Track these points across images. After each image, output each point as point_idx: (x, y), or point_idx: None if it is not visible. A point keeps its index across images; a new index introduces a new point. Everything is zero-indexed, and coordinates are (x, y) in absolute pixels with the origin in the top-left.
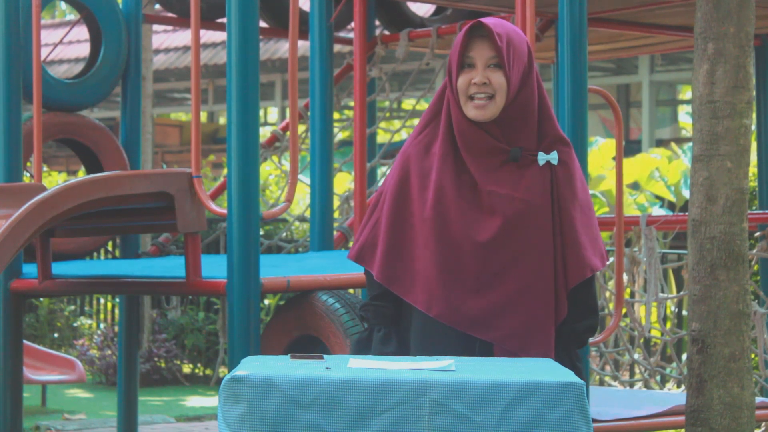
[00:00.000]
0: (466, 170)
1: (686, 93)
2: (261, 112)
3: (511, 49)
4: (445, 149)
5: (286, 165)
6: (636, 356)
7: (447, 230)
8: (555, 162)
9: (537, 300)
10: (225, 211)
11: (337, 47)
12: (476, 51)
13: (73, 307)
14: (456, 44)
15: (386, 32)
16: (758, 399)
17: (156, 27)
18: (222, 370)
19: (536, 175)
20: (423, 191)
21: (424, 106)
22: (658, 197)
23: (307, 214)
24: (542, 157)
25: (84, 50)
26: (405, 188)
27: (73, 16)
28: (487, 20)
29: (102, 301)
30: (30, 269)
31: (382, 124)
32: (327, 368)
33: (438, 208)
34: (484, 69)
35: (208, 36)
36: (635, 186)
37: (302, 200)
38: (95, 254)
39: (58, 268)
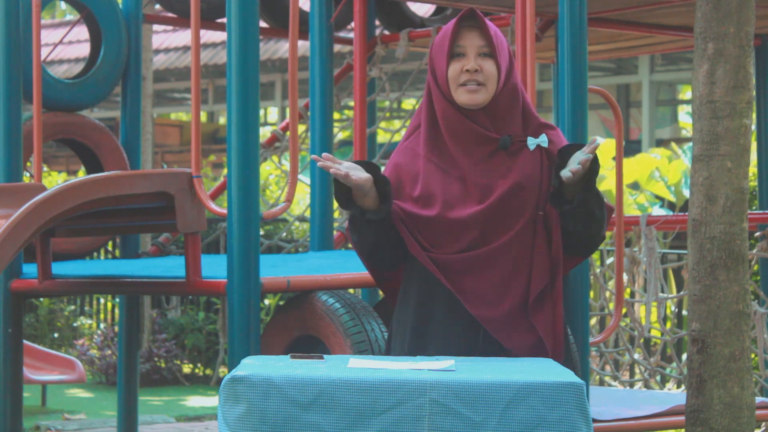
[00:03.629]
0: (454, 164)
1: (686, 93)
2: (261, 112)
3: (498, 40)
4: (429, 146)
5: (286, 165)
6: (636, 356)
7: (434, 217)
8: (545, 144)
9: (515, 270)
10: (225, 211)
11: (337, 47)
12: (466, 40)
13: (73, 307)
14: (445, 35)
15: (386, 32)
16: (758, 399)
17: (156, 27)
18: (222, 370)
19: (527, 160)
20: (412, 193)
21: None
22: (658, 197)
23: (307, 214)
24: (531, 142)
25: (84, 50)
26: (399, 193)
27: (73, 16)
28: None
29: (102, 301)
30: (30, 269)
31: (382, 124)
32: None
33: (426, 207)
34: (475, 57)
35: (208, 36)
36: (635, 186)
37: (302, 200)
38: (95, 254)
39: (58, 268)
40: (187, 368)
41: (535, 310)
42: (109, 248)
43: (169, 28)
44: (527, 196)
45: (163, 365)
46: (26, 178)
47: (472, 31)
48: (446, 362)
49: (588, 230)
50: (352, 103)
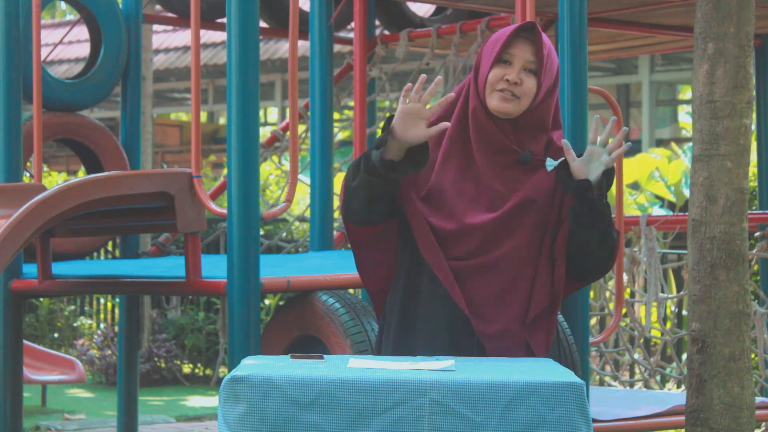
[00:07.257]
0: (473, 164)
1: (686, 93)
2: (261, 112)
3: (549, 59)
4: (453, 140)
5: (286, 165)
6: (636, 356)
7: (440, 217)
8: None
9: (515, 284)
10: (225, 211)
11: (337, 47)
12: (517, 50)
13: (73, 307)
14: (499, 38)
15: (386, 32)
16: (758, 399)
17: (156, 27)
18: (222, 370)
19: (543, 178)
20: (425, 184)
21: None
22: (658, 197)
23: (307, 214)
24: (550, 163)
25: (84, 50)
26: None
27: (73, 16)
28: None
29: (102, 301)
30: (30, 269)
31: (382, 124)
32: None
33: (434, 200)
34: (519, 70)
35: (208, 36)
36: (635, 186)
37: (302, 200)
38: (95, 254)
39: (58, 268)
40: (187, 368)
41: (532, 331)
42: (109, 248)
43: (169, 28)
44: (536, 212)
45: (163, 365)
46: (26, 178)
47: (526, 44)
48: (446, 362)
49: (601, 250)
50: (352, 103)
